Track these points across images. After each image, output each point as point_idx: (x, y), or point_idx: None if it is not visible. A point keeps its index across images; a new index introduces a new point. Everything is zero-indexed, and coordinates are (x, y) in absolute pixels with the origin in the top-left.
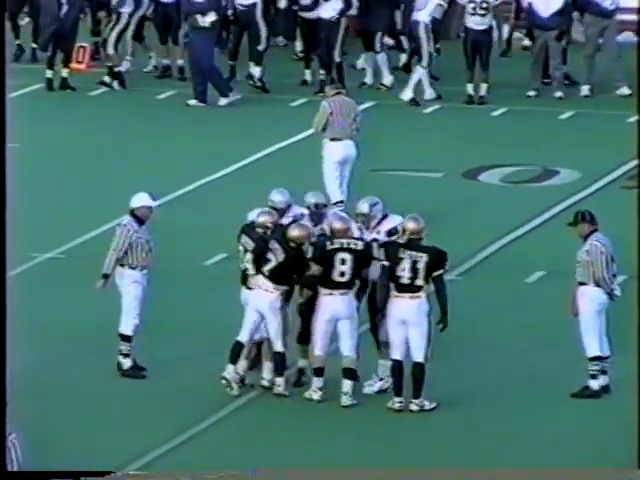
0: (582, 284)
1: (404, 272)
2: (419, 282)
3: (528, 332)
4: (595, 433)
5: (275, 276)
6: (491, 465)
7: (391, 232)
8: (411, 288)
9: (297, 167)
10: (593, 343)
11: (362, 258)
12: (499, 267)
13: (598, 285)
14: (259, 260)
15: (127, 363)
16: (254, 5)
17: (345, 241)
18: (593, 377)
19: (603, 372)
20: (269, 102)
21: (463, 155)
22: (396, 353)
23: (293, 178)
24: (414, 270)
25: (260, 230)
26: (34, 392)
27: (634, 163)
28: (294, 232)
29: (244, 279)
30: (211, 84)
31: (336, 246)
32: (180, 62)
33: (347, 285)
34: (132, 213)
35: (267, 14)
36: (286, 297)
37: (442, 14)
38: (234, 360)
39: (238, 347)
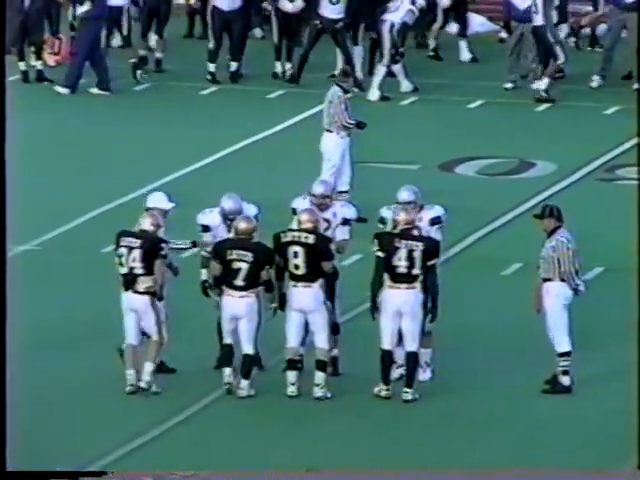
0: (547, 280)
1: (400, 261)
2: (415, 271)
3: (505, 324)
4: (570, 429)
5: (249, 280)
6: (462, 460)
7: (434, 222)
8: (407, 278)
9: (273, 159)
10: (563, 339)
11: (315, 251)
12: (476, 259)
13: (563, 280)
14: (150, 257)
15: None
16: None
17: (296, 234)
18: (565, 373)
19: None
20: (245, 94)
21: (439, 147)
22: (386, 343)
23: (269, 170)
24: (410, 259)
25: (152, 228)
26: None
27: (610, 156)
28: (242, 225)
29: (130, 282)
30: (94, 72)
31: (288, 239)
32: (159, 55)
33: (308, 278)
34: (147, 212)
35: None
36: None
37: (413, 20)
38: (229, 363)
39: (228, 350)
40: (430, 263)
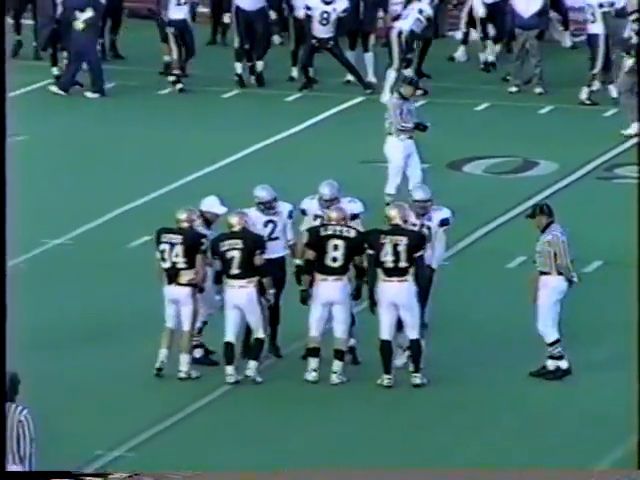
0: (544, 273)
1: (387, 256)
2: (402, 264)
3: (509, 314)
4: (568, 421)
5: (243, 268)
6: (461, 454)
7: (443, 223)
8: (397, 272)
9: (289, 161)
10: (552, 328)
11: (354, 245)
12: (482, 252)
13: (560, 273)
14: (192, 252)
15: (198, 353)
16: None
17: (338, 228)
18: (560, 358)
19: (551, 357)
20: (265, 97)
21: (448, 147)
22: (385, 334)
23: (287, 170)
24: (396, 253)
25: (186, 224)
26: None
27: (609, 155)
28: (233, 219)
29: (173, 276)
30: (90, 75)
31: (329, 232)
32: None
33: (340, 271)
34: (201, 214)
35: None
36: (260, 288)
37: (421, 28)
38: (230, 361)
39: (229, 348)
40: (417, 255)
